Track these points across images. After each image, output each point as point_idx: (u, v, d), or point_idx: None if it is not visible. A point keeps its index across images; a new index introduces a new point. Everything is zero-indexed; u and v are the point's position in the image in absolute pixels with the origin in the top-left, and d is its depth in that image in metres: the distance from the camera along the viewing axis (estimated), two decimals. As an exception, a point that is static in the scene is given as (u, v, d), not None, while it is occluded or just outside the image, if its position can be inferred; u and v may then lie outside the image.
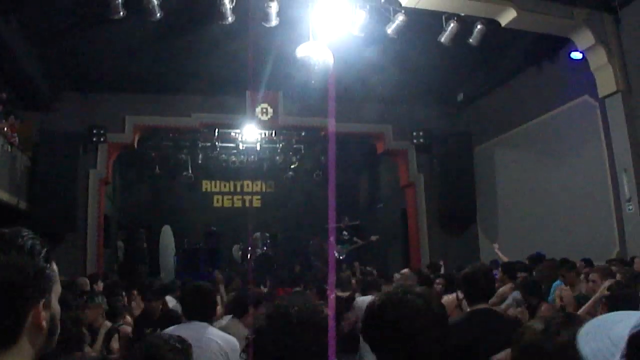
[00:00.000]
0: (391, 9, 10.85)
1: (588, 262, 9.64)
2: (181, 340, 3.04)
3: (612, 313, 1.14)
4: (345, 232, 19.07)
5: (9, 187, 12.75)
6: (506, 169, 15.51)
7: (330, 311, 2.95)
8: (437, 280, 9.43)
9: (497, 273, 10.58)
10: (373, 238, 18.80)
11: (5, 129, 12.57)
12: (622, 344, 0.99)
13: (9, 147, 12.80)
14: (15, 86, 13.55)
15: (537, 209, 13.89)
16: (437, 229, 16.75)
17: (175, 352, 2.91)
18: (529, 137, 14.38)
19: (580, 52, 11.74)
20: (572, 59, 12.12)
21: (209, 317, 4.69)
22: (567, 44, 12.04)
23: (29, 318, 1.48)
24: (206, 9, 10.38)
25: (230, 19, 10.21)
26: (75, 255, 14.38)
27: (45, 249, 1.60)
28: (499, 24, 11.08)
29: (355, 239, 19.04)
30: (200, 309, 4.61)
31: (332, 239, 17.21)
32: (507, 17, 10.87)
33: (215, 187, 23.35)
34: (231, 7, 10.07)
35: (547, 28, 11.63)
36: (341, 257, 18.07)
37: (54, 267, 1.63)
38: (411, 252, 17.30)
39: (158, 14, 10.03)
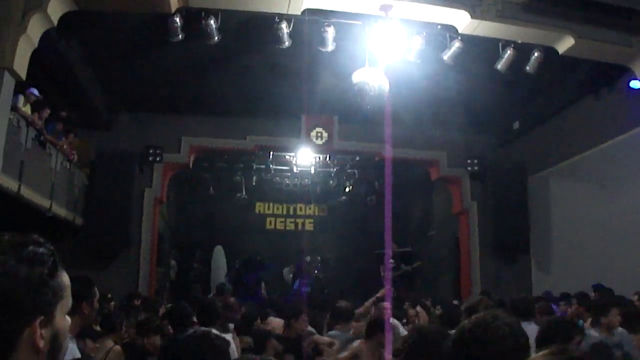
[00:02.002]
0: (447, 35, 10.84)
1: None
2: (217, 336, 3.00)
3: None
4: (392, 260, 18.99)
5: (66, 203, 13.02)
6: (561, 199, 15.24)
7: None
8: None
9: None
10: (415, 264, 18.76)
11: (65, 146, 12.84)
12: None
13: (68, 164, 13.07)
14: (75, 105, 13.86)
15: (593, 241, 13.53)
16: (490, 258, 16.51)
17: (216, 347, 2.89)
18: (586, 167, 14.10)
19: (640, 81, 11.55)
20: (631, 87, 11.87)
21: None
22: (626, 73, 11.80)
23: (22, 336, 1.32)
24: (263, 33, 10.49)
25: (287, 43, 10.32)
26: (128, 272, 14.58)
27: (53, 259, 1.42)
28: (557, 52, 10.99)
29: (402, 265, 18.95)
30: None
31: (388, 264, 17.17)
32: (565, 45, 10.77)
33: (269, 209, 23.52)
34: (288, 31, 10.17)
35: (605, 56, 11.45)
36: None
37: (64, 279, 1.46)
38: (462, 280, 17.13)
39: (216, 38, 10.19)
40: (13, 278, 1.31)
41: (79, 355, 4.01)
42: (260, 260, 19.83)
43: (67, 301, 1.46)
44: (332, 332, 7.85)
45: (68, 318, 1.49)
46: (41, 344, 1.35)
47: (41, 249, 1.41)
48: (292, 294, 18.59)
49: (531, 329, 5.70)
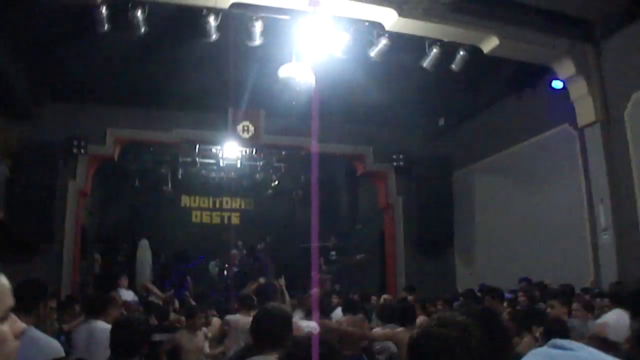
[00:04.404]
0: (375, 32, 10.93)
1: (570, 290, 9.57)
2: None
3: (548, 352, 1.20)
4: (333, 252, 19.09)
5: (-14, 196, 12.71)
6: (484, 195, 15.56)
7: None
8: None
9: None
10: (359, 257, 18.82)
11: (-15, 137, 12.54)
12: None
13: (-11, 156, 12.76)
14: (-4, 94, 13.51)
15: (514, 236, 13.92)
16: (415, 252, 16.73)
17: None
18: (508, 164, 14.45)
19: (561, 81, 11.88)
20: (552, 87, 12.22)
21: None
22: (548, 73, 12.14)
23: None
24: (191, 26, 10.42)
25: (214, 36, 10.26)
26: (51, 266, 14.25)
27: None
28: (482, 51, 11.21)
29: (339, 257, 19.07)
30: None
31: (316, 258, 17.22)
32: (489, 44, 11.00)
33: (195, 202, 23.42)
34: (216, 24, 10.12)
35: (529, 57, 11.78)
36: (325, 277, 18.08)
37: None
38: (388, 274, 17.31)
39: (142, 29, 10.06)
40: None
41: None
42: (186, 253, 19.71)
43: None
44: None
45: (3, 324, 1.50)
46: None
47: None
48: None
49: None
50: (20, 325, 1.54)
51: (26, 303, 4.15)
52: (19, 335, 1.53)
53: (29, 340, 3.95)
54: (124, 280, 12.69)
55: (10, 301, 1.52)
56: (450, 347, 2.09)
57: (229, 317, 8.06)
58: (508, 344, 2.37)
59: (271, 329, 4.06)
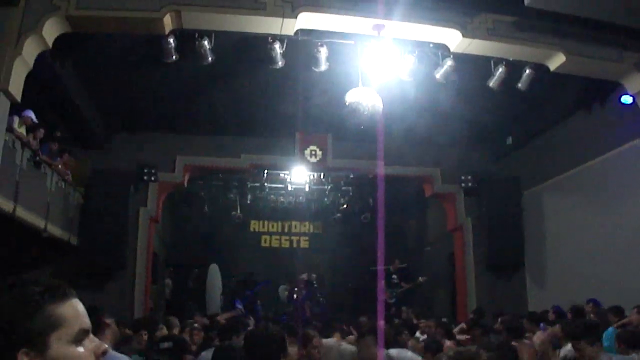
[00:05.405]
0: (440, 53, 10.91)
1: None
2: None
3: None
4: (394, 276, 18.96)
5: (62, 223, 13.01)
6: (555, 214, 15.25)
7: None
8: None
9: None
10: (421, 279, 18.64)
11: (60, 166, 12.85)
12: None
13: (63, 184, 13.07)
14: (70, 125, 13.89)
15: (587, 256, 13.51)
16: (485, 274, 16.48)
17: None
18: (579, 182, 14.14)
19: (631, 96, 11.57)
20: (622, 103, 11.94)
21: None
22: (617, 88, 11.82)
23: None
24: (257, 53, 10.55)
25: (280, 63, 10.38)
26: (123, 292, 14.57)
27: (42, 293, 1.45)
28: (548, 69, 11.06)
29: (402, 283, 18.91)
30: None
31: (381, 282, 17.14)
32: (555, 61, 10.82)
33: (263, 227, 23.53)
34: (281, 51, 10.23)
35: (596, 72, 11.48)
36: (390, 301, 18.00)
37: (62, 310, 1.47)
38: (458, 296, 17.12)
39: (210, 58, 10.24)
40: None
41: None
42: (253, 278, 19.88)
43: (68, 330, 1.46)
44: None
45: (80, 346, 1.50)
46: None
47: (35, 288, 1.46)
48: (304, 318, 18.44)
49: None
50: (102, 345, 1.55)
51: None
52: (100, 356, 1.55)
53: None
54: (199, 319, 12.73)
55: (84, 324, 1.53)
56: None
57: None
58: None
59: (264, 351, 4.15)
